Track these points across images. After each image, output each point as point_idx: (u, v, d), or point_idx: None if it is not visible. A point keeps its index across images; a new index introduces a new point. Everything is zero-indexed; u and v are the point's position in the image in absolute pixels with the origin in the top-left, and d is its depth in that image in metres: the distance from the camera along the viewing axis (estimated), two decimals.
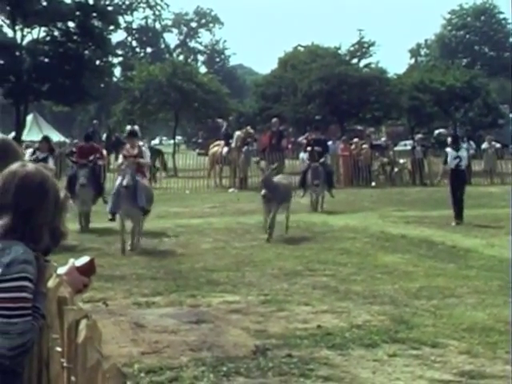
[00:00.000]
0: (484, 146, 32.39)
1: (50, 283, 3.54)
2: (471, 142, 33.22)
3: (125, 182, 13.48)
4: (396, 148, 37.07)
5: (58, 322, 3.57)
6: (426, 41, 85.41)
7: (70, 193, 15.96)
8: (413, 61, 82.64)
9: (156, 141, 76.57)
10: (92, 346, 3.08)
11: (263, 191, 14.99)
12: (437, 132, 48.33)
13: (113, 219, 14.15)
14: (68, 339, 3.38)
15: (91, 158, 16.47)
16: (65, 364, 3.43)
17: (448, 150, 18.61)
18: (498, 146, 34.17)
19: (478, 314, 8.83)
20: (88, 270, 3.60)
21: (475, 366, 6.98)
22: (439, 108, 42.06)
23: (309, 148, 20.80)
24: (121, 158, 14.78)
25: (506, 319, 8.54)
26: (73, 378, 3.29)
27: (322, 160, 20.19)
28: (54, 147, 19.11)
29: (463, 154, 18.24)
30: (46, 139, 17.39)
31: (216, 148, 28.91)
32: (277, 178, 15.97)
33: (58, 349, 3.53)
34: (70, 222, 11.90)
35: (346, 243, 14.26)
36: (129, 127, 28.48)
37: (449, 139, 19.04)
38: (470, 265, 12.00)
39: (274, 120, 31.39)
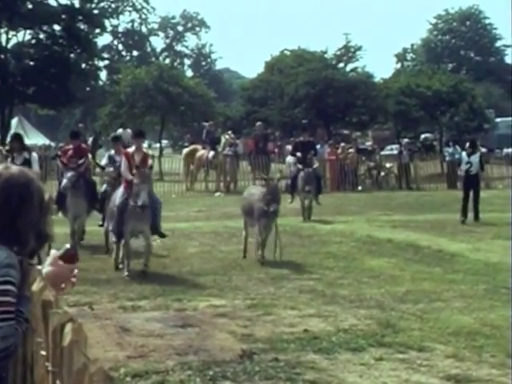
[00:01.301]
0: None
1: (35, 287, 3.51)
2: (457, 147, 33.38)
3: (140, 202, 11.44)
4: (382, 152, 37.15)
5: (42, 326, 3.54)
6: (412, 45, 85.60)
7: (60, 207, 14.17)
8: (399, 65, 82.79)
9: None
10: (78, 350, 3.05)
11: (274, 206, 12.59)
12: (423, 136, 48.46)
13: (118, 241, 12.05)
14: (53, 343, 3.35)
15: (81, 161, 14.14)
16: (50, 368, 3.39)
17: (463, 154, 19.59)
18: (484, 150, 34.33)
19: (464, 318, 8.85)
20: (71, 257, 3.54)
21: (461, 370, 6.99)
22: (425, 112, 42.18)
23: (298, 154, 19.24)
24: (124, 167, 12.23)
25: (492, 323, 8.57)
26: (58, 382, 3.26)
27: (315, 166, 19.32)
28: (27, 146, 16.33)
29: (475, 159, 18.91)
30: (17, 137, 14.64)
31: (202, 152, 28.87)
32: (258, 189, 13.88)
33: (43, 352, 3.49)
34: (56, 225, 11.81)
35: (333, 247, 14.26)
36: (120, 130, 28.37)
37: (467, 144, 19.77)
38: (456, 269, 12.03)
39: (258, 124, 31.41)
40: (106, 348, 7.61)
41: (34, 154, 13.90)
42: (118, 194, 12.14)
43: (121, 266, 12.02)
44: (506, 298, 9.90)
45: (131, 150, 12.45)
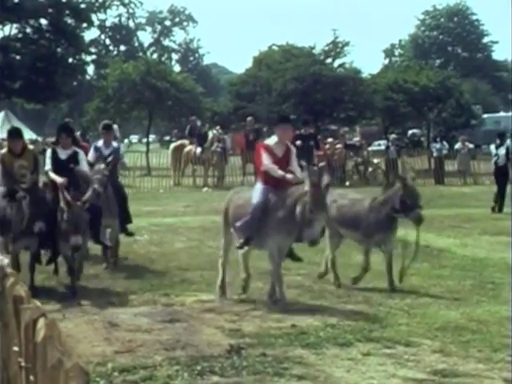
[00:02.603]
0: (457, 146, 32.70)
1: (6, 282, 3.50)
2: (444, 143, 33.49)
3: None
4: (370, 148, 37.22)
5: (14, 322, 3.52)
6: (399, 41, 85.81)
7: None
8: (387, 61, 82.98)
9: (135, 139, 76.21)
10: (52, 345, 3.03)
11: (417, 212, 10.30)
12: (410, 132, 48.61)
13: (245, 245, 9.66)
14: (25, 338, 3.33)
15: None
16: (23, 364, 3.38)
17: (491, 147, 20.48)
18: (471, 146, 34.49)
19: (450, 313, 8.88)
20: None
21: (448, 365, 7.02)
22: (413, 108, 42.26)
23: (298, 142, 16.45)
24: (267, 161, 9.48)
25: (479, 318, 8.61)
26: (32, 378, 3.24)
27: (321, 164, 17.07)
28: (77, 139, 13.66)
29: (501, 151, 19.62)
30: (66, 128, 11.57)
31: (190, 147, 28.84)
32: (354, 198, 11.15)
33: (15, 348, 3.48)
34: None
35: (320, 243, 14.23)
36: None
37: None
38: (444, 264, 12.07)
39: (249, 119, 31.31)
40: (93, 343, 7.60)
41: (81, 151, 11.43)
42: (256, 193, 9.44)
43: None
44: (493, 293, 9.96)
45: (271, 141, 9.83)
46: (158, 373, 6.72)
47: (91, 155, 12.42)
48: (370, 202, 10.60)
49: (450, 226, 16.83)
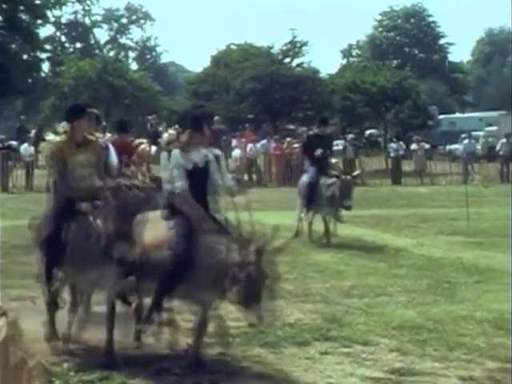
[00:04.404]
0: (413, 146, 33.01)
1: None
2: (401, 143, 33.80)
3: None
4: None
5: None
6: (357, 41, 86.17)
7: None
8: (345, 61, 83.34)
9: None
10: (14, 344, 2.99)
11: None
12: (368, 132, 48.90)
13: None
14: None
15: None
16: None
17: None
18: (427, 146, 34.88)
19: (407, 313, 8.94)
20: None
21: (405, 364, 7.06)
22: (370, 108, 42.61)
23: (319, 151, 14.60)
24: None
25: (435, 317, 8.68)
26: None
27: (356, 173, 16.55)
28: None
29: None
30: (202, 119, 8.31)
31: (143, 146, 28.65)
32: None
33: None
34: None
35: (279, 242, 14.23)
36: (63, 123, 27.92)
37: None
38: (400, 264, 12.14)
39: (217, 118, 31.15)
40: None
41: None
42: None
43: None
44: (449, 292, 10.05)
45: None
46: (114, 373, 6.65)
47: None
48: None
49: (406, 225, 16.97)
